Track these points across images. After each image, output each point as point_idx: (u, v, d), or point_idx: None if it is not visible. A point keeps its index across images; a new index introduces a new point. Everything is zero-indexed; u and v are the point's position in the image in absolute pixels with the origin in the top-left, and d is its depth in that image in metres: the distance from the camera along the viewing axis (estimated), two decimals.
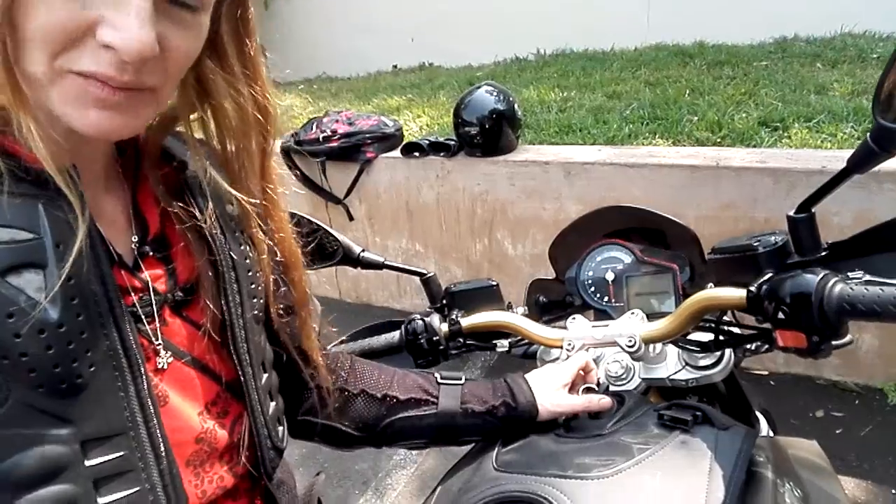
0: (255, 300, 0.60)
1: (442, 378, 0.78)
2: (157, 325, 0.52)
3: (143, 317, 0.51)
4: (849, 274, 0.63)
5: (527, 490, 0.62)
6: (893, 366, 2.08)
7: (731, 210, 2.11)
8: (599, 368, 0.87)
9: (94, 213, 0.46)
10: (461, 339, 0.92)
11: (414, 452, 2.21)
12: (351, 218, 2.91)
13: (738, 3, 4.05)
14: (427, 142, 2.63)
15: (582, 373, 0.81)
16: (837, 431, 1.98)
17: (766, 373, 2.29)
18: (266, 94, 0.55)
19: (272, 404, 0.63)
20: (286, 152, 2.85)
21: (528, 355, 0.99)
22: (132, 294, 0.50)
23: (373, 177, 2.80)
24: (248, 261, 0.59)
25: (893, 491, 1.76)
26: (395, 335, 0.92)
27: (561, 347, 0.87)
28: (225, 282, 0.56)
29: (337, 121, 2.82)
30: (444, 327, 0.91)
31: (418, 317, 0.91)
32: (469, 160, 2.55)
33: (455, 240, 2.75)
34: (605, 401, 0.76)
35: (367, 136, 2.73)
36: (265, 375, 0.62)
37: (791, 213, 0.69)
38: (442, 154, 2.60)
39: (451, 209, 2.69)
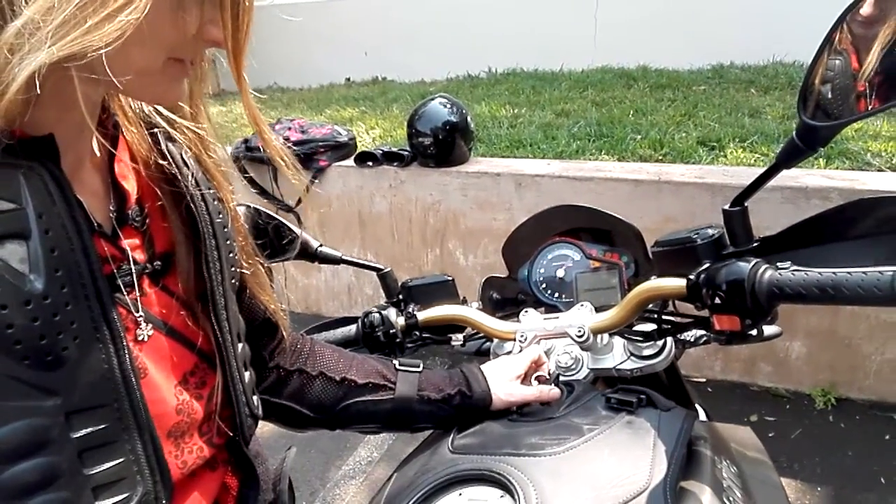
0: (232, 268, 0.61)
1: (400, 365, 0.80)
2: (137, 295, 0.52)
3: (122, 286, 0.51)
4: (778, 264, 0.68)
5: (483, 468, 0.64)
6: (821, 372, 2.21)
7: (672, 223, 2.21)
8: (550, 360, 0.91)
9: (74, 182, 0.46)
10: (417, 333, 0.94)
11: (363, 462, 2.19)
12: (301, 226, 2.89)
13: (678, 31, 4.27)
14: (381, 151, 2.65)
15: (534, 365, 0.84)
16: (770, 435, 2.08)
17: (703, 380, 2.39)
18: None
19: (247, 373, 0.64)
20: (237, 159, 2.82)
21: (481, 352, 1.01)
22: (111, 263, 0.50)
23: (325, 185, 2.79)
24: (226, 229, 0.60)
25: (819, 488, 1.87)
26: (351, 329, 0.93)
27: (514, 340, 0.90)
28: (207, 248, 0.57)
29: (289, 128, 2.80)
30: (401, 321, 0.92)
31: (375, 310, 0.92)
32: (422, 171, 2.58)
33: (407, 249, 2.76)
34: (554, 391, 0.80)
35: (321, 144, 2.73)
36: (240, 345, 0.63)
37: (726, 206, 0.75)
38: (395, 164, 2.62)
39: (404, 219, 2.71)
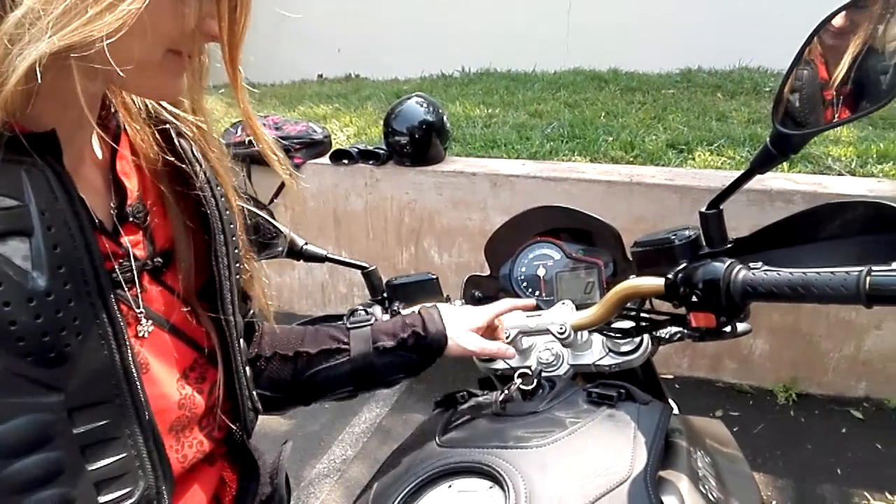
0: (237, 264, 0.61)
1: (351, 323, 0.79)
2: (138, 291, 0.52)
3: (123, 283, 0.51)
4: (750, 264, 0.72)
5: (472, 460, 0.66)
6: (782, 369, 2.29)
7: (642, 223, 2.26)
8: (532, 356, 0.93)
9: (76, 177, 0.46)
10: None
11: (338, 460, 2.19)
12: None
13: (649, 35, 4.36)
14: (356, 150, 2.65)
15: (495, 321, 0.85)
16: (735, 429, 2.15)
17: (671, 376, 2.45)
18: None
19: (248, 369, 0.65)
20: None
21: None
22: (112, 260, 0.50)
23: (300, 183, 2.78)
24: (232, 225, 0.60)
25: (780, 480, 1.94)
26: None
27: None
28: (216, 243, 0.57)
29: (264, 125, 2.77)
30: (386, 318, 0.93)
31: (360, 308, 0.93)
32: (398, 169, 2.59)
33: (382, 248, 2.77)
34: (510, 350, 0.83)
35: (295, 141, 2.71)
36: (241, 341, 0.63)
37: (703, 209, 0.78)
38: (371, 162, 2.63)
39: (380, 217, 2.71)
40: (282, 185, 2.78)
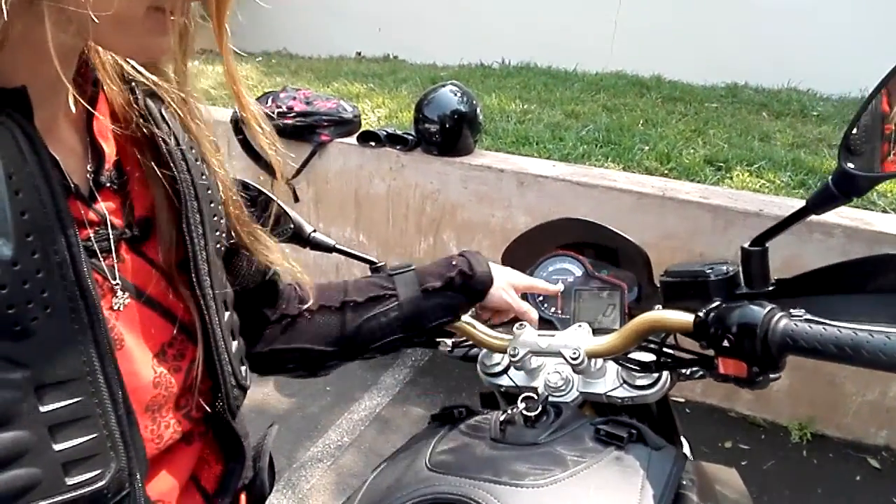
0: (217, 233, 0.57)
1: (392, 270, 0.79)
2: (115, 261, 0.49)
3: (98, 252, 0.48)
4: (791, 311, 0.65)
5: (460, 493, 0.61)
6: (800, 406, 2.20)
7: (671, 240, 2.18)
8: (539, 377, 0.87)
9: (49, 140, 0.42)
10: None
11: (333, 445, 2.16)
12: (297, 199, 2.84)
13: (696, 46, 4.23)
14: (385, 133, 2.59)
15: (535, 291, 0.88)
16: (743, 463, 2.07)
17: (682, 400, 2.37)
18: None
19: (235, 343, 0.61)
20: (235, 122, 2.75)
21: (467, 358, 0.98)
22: (88, 228, 0.47)
23: (324, 160, 2.74)
24: (209, 191, 0.56)
25: None
26: None
27: (505, 352, 0.86)
28: (188, 210, 0.53)
29: (294, 98, 2.74)
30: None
31: None
32: (425, 157, 2.53)
33: (401, 235, 2.72)
34: (534, 315, 0.86)
35: (324, 118, 2.67)
36: (227, 313, 0.59)
37: (746, 245, 0.71)
38: (398, 147, 2.57)
39: (401, 204, 2.66)
40: (306, 162, 2.74)
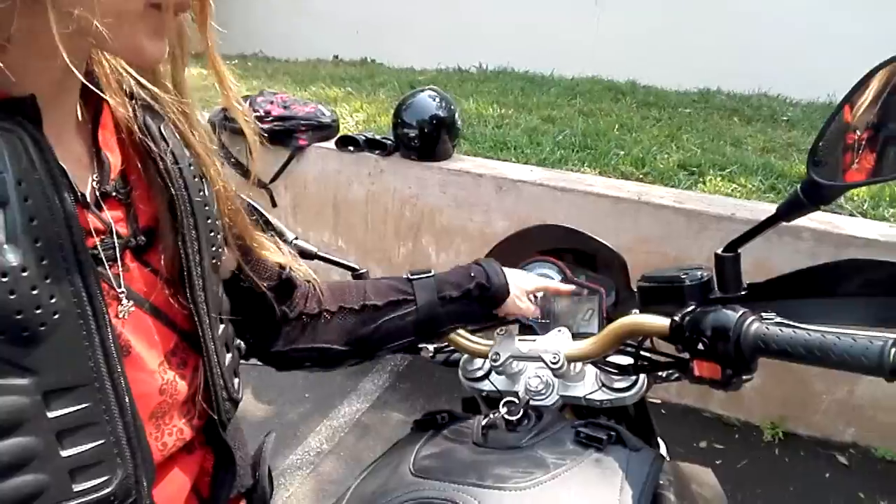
0: (213, 247, 0.58)
1: (412, 275, 0.81)
2: (120, 270, 0.50)
3: (104, 260, 0.48)
4: (762, 314, 0.67)
5: (445, 497, 0.62)
6: (771, 405, 2.25)
7: (646, 244, 2.22)
8: (520, 382, 0.89)
9: (57, 148, 0.43)
10: None
11: (312, 452, 2.15)
12: (274, 204, 2.82)
13: (670, 51, 4.30)
14: (363, 137, 2.59)
15: (542, 289, 0.90)
16: (717, 462, 2.11)
17: (658, 401, 2.41)
18: None
19: (228, 356, 0.61)
20: (213, 126, 2.72)
21: (449, 363, 0.99)
22: (94, 236, 0.48)
23: (302, 165, 2.73)
24: (207, 207, 0.57)
25: None
26: None
27: (486, 357, 0.88)
28: (184, 227, 0.54)
29: (271, 102, 2.72)
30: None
31: None
32: (403, 162, 2.54)
33: (379, 240, 2.72)
34: (537, 312, 0.90)
35: (302, 122, 2.66)
36: (221, 326, 0.60)
37: (719, 251, 0.73)
38: (377, 152, 2.57)
39: (380, 209, 2.66)
40: (284, 166, 2.73)
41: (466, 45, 4.79)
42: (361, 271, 0.96)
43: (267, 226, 0.90)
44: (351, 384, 2.51)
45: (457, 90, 3.95)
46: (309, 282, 0.77)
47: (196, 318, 0.56)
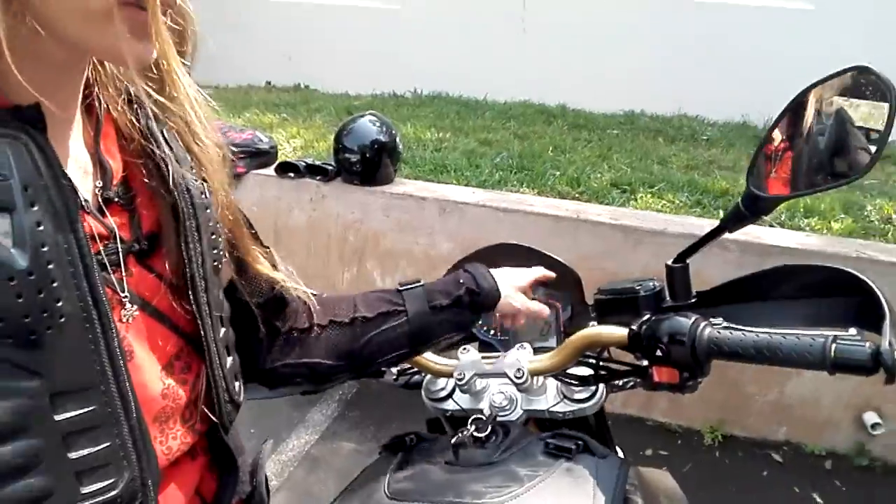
0: (214, 251, 0.58)
1: (401, 286, 0.80)
2: (123, 274, 0.50)
3: (108, 265, 0.49)
4: (711, 319, 0.72)
5: None
6: (710, 410, 2.36)
7: (586, 260, 2.29)
8: (484, 399, 0.90)
9: (61, 155, 0.44)
10: None
11: (286, 473, 2.08)
12: None
13: (595, 76, 4.50)
14: (304, 164, 2.57)
15: (536, 283, 0.90)
16: (663, 468, 2.18)
17: None
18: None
19: (230, 359, 0.61)
20: None
21: (410, 385, 0.99)
22: (97, 241, 0.49)
23: (241, 193, 2.67)
24: (208, 211, 0.57)
25: None
26: None
27: (450, 377, 0.89)
28: (186, 230, 0.54)
29: None
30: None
31: None
32: (345, 187, 2.53)
33: (322, 266, 2.69)
34: (545, 311, 0.89)
35: (239, 149, 2.61)
36: (223, 329, 0.60)
37: (669, 262, 0.78)
38: (318, 178, 2.55)
39: (322, 234, 2.64)
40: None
41: (400, 70, 4.84)
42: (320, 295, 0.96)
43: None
44: (298, 415, 2.45)
45: (393, 115, 3.98)
46: (300, 298, 0.76)
47: (199, 320, 0.56)
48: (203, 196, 0.57)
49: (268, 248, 0.72)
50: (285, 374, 0.76)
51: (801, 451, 2.27)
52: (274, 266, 0.71)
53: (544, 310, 0.88)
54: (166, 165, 0.53)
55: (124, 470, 0.46)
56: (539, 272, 0.91)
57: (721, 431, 2.34)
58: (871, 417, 2.12)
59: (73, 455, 0.43)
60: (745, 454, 2.27)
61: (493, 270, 0.84)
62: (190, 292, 0.55)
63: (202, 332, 0.56)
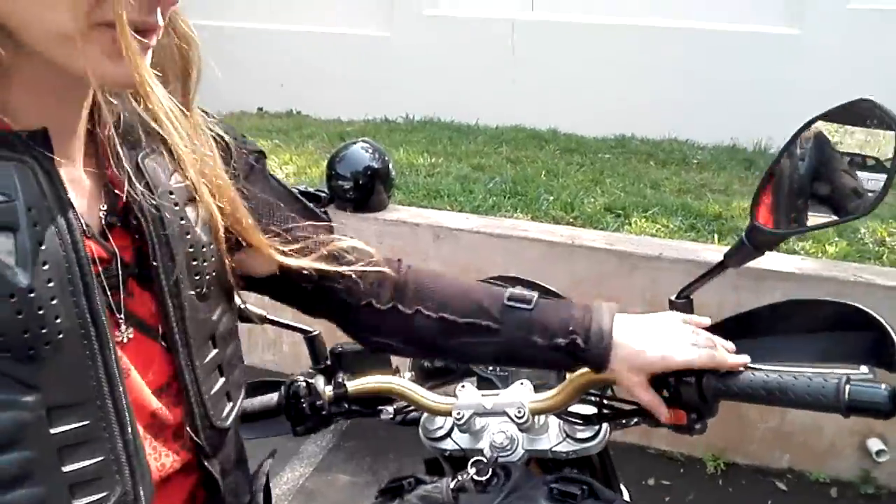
0: (197, 277, 0.56)
1: (510, 299, 0.70)
2: (122, 297, 0.51)
3: (106, 287, 0.50)
4: None
5: None
6: (711, 437, 2.32)
7: (582, 286, 2.28)
8: (484, 438, 0.87)
9: (67, 178, 0.46)
10: (346, 405, 0.87)
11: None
12: None
13: (585, 100, 4.53)
14: (297, 190, 2.54)
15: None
16: (666, 499, 2.15)
17: None
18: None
19: (220, 380, 0.60)
20: None
21: (407, 423, 0.96)
22: (97, 264, 0.49)
23: None
24: (188, 236, 0.55)
25: None
26: (272, 397, 0.85)
27: (448, 415, 0.86)
28: (157, 260, 0.54)
29: None
30: (329, 391, 0.86)
31: (301, 378, 0.85)
32: (339, 214, 2.51)
33: None
34: (662, 411, 0.69)
35: None
36: (214, 351, 0.59)
37: (672, 297, 0.76)
38: (311, 204, 2.53)
39: None
40: None
41: (392, 96, 4.86)
42: (314, 333, 0.93)
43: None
44: (293, 446, 2.40)
45: (386, 140, 3.99)
46: (380, 271, 0.74)
47: (173, 349, 0.56)
48: (182, 221, 0.55)
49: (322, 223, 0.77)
50: (375, 342, 0.76)
51: (806, 478, 2.23)
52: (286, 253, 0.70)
53: (661, 410, 0.69)
54: (132, 196, 0.53)
55: (117, 484, 0.47)
56: (681, 318, 0.71)
57: (723, 459, 2.30)
58: (875, 444, 2.09)
59: (66, 468, 0.44)
60: (748, 482, 2.24)
61: (626, 323, 0.68)
62: (161, 324, 0.55)
63: (178, 361, 0.56)
